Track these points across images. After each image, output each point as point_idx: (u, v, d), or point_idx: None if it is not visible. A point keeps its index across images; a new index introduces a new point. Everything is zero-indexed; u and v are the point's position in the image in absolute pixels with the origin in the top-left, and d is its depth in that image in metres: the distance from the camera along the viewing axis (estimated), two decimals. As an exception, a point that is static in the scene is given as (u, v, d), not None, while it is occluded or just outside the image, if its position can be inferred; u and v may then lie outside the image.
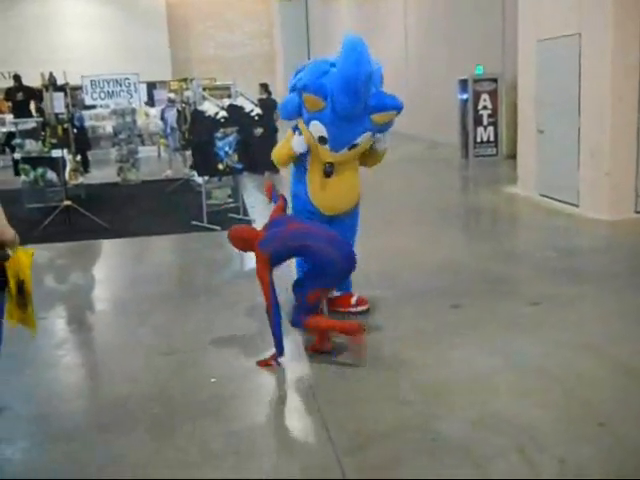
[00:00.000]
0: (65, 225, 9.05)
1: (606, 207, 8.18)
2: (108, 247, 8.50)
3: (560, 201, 9.04)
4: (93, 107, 16.33)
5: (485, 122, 13.55)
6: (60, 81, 11.01)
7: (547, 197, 9.38)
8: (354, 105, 4.78)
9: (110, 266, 7.89)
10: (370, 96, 4.87)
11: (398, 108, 5.00)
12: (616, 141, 8.06)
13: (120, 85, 15.91)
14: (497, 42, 13.56)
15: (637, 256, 6.75)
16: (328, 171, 5.17)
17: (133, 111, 14.12)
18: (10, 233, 3.56)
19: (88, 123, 15.38)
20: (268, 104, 12.36)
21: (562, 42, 8.79)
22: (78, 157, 11.76)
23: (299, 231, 4.73)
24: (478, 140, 13.60)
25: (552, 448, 3.43)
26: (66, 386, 4.57)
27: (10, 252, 3.63)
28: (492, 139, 13.62)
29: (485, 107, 13.50)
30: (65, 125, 10.16)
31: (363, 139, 5.09)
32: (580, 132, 8.52)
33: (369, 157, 5.44)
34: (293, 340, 5.01)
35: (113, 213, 10.04)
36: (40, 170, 10.59)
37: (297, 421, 3.99)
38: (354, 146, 5.12)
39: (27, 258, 3.79)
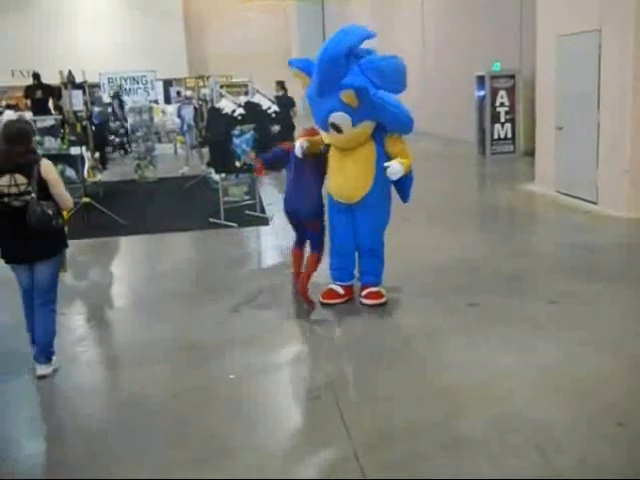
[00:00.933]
0: (84, 222, 9.13)
1: (625, 204, 8.11)
2: (126, 244, 8.56)
3: (578, 198, 8.98)
4: (110, 104, 16.46)
5: (502, 119, 13.47)
6: (78, 79, 11.11)
7: (565, 194, 9.32)
8: (319, 79, 5.19)
9: (128, 263, 7.95)
10: (345, 75, 5.10)
11: (353, 87, 5.05)
12: (636, 138, 7.98)
13: (137, 82, 16.02)
14: (514, 38, 13.46)
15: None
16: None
17: (150, 109, 14.20)
18: (71, 201, 4.61)
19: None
20: (285, 101, 12.37)
21: (582, 38, 8.71)
22: (97, 154, 11.85)
23: None
24: (495, 137, 13.53)
25: (571, 448, 3.42)
26: (86, 382, 4.61)
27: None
28: (509, 136, 13.54)
29: (502, 104, 13.41)
30: (84, 122, 10.24)
31: (338, 119, 5.21)
32: (599, 128, 8.46)
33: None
34: (313, 338, 5.04)
35: (131, 210, 10.10)
36: (59, 167, 10.64)
37: (315, 418, 4.00)
38: (336, 128, 5.27)
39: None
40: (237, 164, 8.85)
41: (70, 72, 11.06)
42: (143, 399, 4.21)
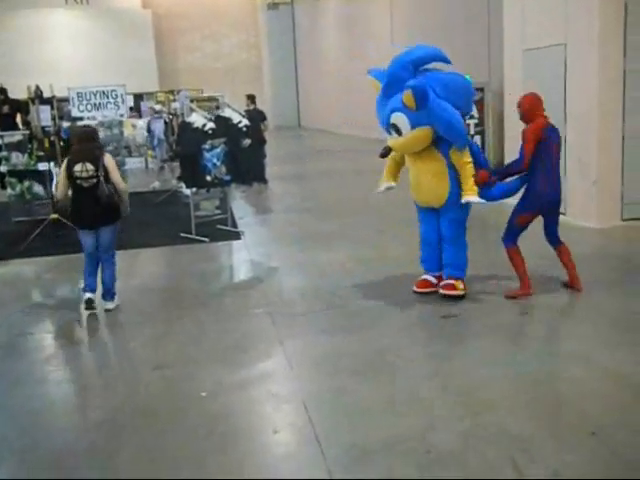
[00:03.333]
0: (52, 239, 8.98)
1: (594, 215, 8.23)
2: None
3: (548, 209, 9.07)
4: (80, 119, 16.27)
5: (472, 131, 13.58)
6: (47, 94, 10.98)
7: (535, 205, 9.41)
8: (386, 82, 5.68)
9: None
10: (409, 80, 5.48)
11: (411, 87, 5.37)
12: (602, 149, 8.12)
13: (107, 97, 15.86)
14: (483, 52, 13.66)
15: (625, 264, 6.78)
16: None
17: (120, 123, 14.06)
18: (124, 185, 6.35)
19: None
20: (255, 115, 12.36)
21: (548, 52, 8.86)
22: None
23: None
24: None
25: (545, 459, 3.43)
26: (54, 402, 4.51)
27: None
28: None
29: (472, 116, 13.54)
30: (52, 138, 10.10)
31: (397, 120, 5.58)
32: (567, 141, 8.58)
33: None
34: (285, 354, 5.00)
35: (101, 226, 9.95)
36: (27, 183, 10.49)
37: (288, 435, 3.96)
38: (396, 129, 5.63)
39: None
40: (208, 178, 8.80)
41: (37, 87, 10.93)
42: (113, 419, 4.13)
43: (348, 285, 6.43)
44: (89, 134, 6.31)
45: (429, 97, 5.41)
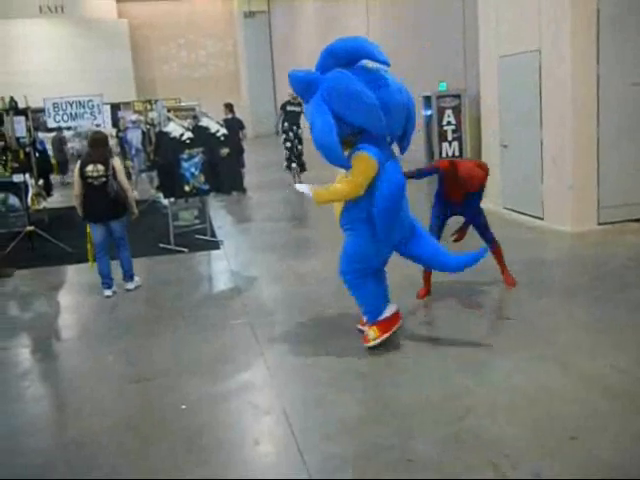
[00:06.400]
0: (28, 251, 8.88)
1: (570, 219, 8.30)
2: (73, 272, 8.34)
3: (525, 214, 9.16)
4: (57, 129, 16.14)
5: (450, 137, 13.69)
6: (21, 104, 10.86)
7: (512, 210, 9.50)
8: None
9: (76, 292, 7.73)
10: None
11: (289, 73, 4.84)
12: (577, 154, 8.20)
13: (83, 107, 15.73)
14: (459, 59, 13.75)
15: (601, 268, 6.84)
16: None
17: (96, 133, 13.96)
18: (128, 185, 7.10)
19: (50, 146, 15.16)
20: (233, 124, 12.35)
21: (523, 58, 8.95)
22: (40, 181, 11.57)
23: None
24: (443, 155, 13.73)
25: (526, 464, 3.43)
26: (31, 419, 4.43)
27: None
28: (457, 154, 13.75)
29: (449, 122, 13.63)
30: (27, 149, 10.00)
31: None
32: (543, 146, 8.67)
33: None
34: (266, 364, 4.97)
35: (78, 237, 9.81)
36: (1, 195, 10.39)
37: (270, 446, 3.93)
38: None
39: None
40: (186, 188, 8.75)
41: (12, 98, 10.80)
42: (91, 435, 4.07)
43: (328, 293, 6.42)
44: (101, 140, 7.12)
45: (310, 92, 4.68)
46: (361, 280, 5.02)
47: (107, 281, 7.06)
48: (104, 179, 6.77)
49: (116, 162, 6.93)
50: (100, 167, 6.76)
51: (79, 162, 6.98)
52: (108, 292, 7.03)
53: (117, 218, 6.98)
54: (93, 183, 6.78)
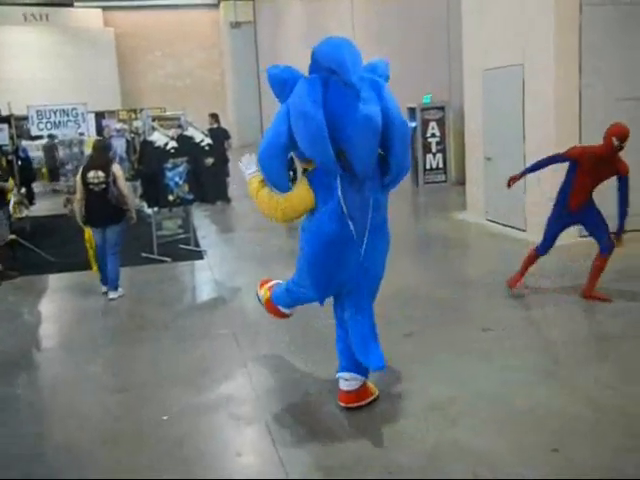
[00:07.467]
0: (10, 260, 8.79)
1: (552, 232, 8.33)
2: (55, 282, 8.27)
3: (508, 226, 9.22)
4: (40, 138, 16.05)
5: (434, 149, 13.79)
6: (4, 112, 10.81)
7: (495, 222, 9.55)
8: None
9: (58, 301, 7.67)
10: None
11: (267, 70, 4.10)
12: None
13: (67, 115, 15.65)
14: (443, 71, 13.86)
15: (582, 279, 6.88)
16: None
17: (81, 142, 13.91)
18: (128, 191, 7.20)
19: (34, 154, 15.07)
20: (218, 134, 12.34)
21: (506, 72, 9.04)
22: (23, 189, 11.49)
23: None
24: (427, 167, 13.82)
25: (508, 475, 3.44)
26: (10, 429, 4.37)
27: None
28: (441, 166, 13.85)
29: (433, 135, 13.74)
30: (9, 157, 9.93)
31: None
32: (525, 159, 8.73)
33: None
34: (248, 376, 4.95)
35: (60, 246, 9.78)
36: (-17, 204, 10.27)
37: (252, 458, 3.91)
38: None
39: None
40: (170, 197, 8.72)
41: (-5, 106, 10.77)
42: (71, 447, 4.02)
43: (313, 304, 6.39)
44: (102, 147, 7.45)
45: (284, 93, 3.95)
46: (301, 295, 4.53)
47: (114, 282, 7.18)
48: (104, 185, 6.91)
49: (116, 169, 7.04)
50: (100, 174, 6.91)
51: (81, 168, 7.16)
52: (114, 294, 7.15)
53: (115, 223, 7.07)
54: (94, 189, 6.93)
